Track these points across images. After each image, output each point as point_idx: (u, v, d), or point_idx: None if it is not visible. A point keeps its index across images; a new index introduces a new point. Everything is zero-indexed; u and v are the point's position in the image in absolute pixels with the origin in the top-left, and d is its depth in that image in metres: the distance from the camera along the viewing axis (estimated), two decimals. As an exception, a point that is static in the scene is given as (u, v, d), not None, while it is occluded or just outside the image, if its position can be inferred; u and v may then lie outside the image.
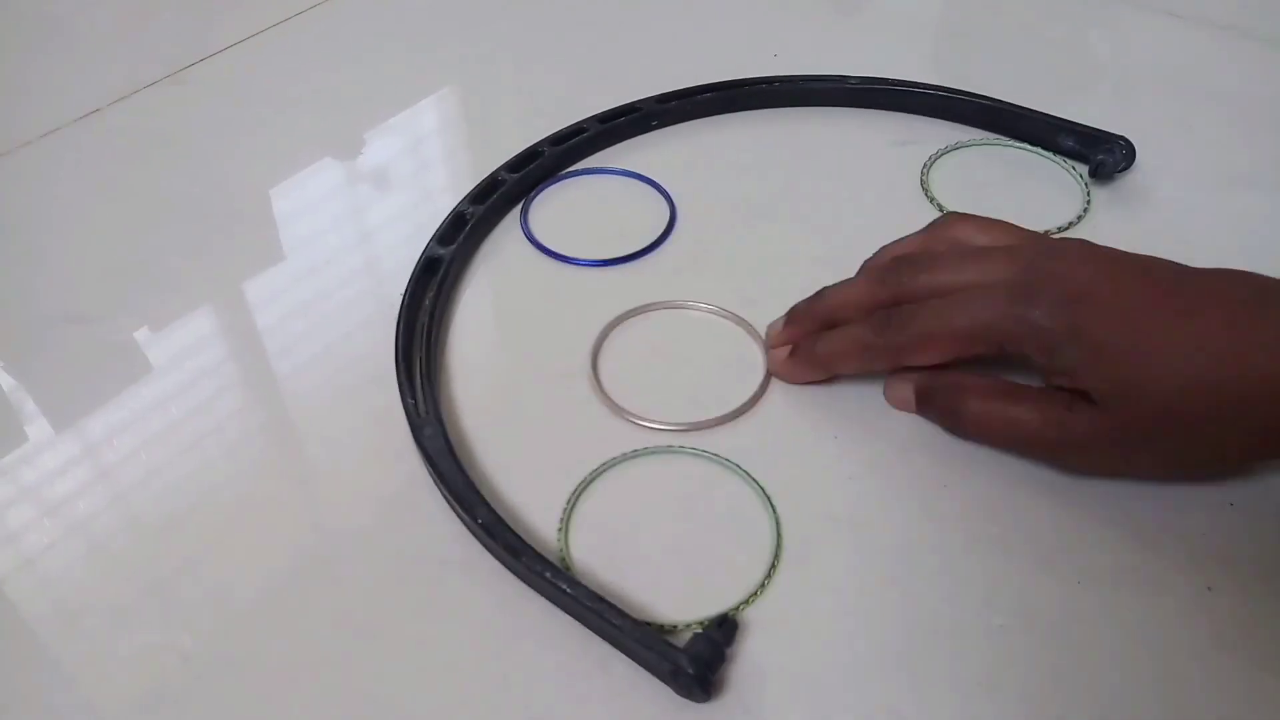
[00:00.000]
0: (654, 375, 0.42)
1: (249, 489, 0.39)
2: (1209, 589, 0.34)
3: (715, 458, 0.39)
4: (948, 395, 0.38)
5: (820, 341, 0.40)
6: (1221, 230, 0.48)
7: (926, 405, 0.39)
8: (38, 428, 0.42)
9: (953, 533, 0.36)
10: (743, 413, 0.41)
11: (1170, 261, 0.35)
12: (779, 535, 0.36)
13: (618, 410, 0.41)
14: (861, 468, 0.39)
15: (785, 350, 0.41)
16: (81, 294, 0.48)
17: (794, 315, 0.42)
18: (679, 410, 0.41)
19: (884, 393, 0.40)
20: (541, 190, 0.52)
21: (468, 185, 0.51)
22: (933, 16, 0.68)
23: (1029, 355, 0.35)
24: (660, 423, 0.40)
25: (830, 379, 0.41)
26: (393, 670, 0.33)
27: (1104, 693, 0.32)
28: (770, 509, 0.37)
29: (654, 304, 0.45)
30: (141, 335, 0.46)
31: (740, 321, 0.44)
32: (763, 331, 0.43)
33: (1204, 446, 0.34)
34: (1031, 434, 0.36)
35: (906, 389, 0.39)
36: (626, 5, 0.68)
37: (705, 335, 0.44)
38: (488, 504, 0.36)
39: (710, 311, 0.45)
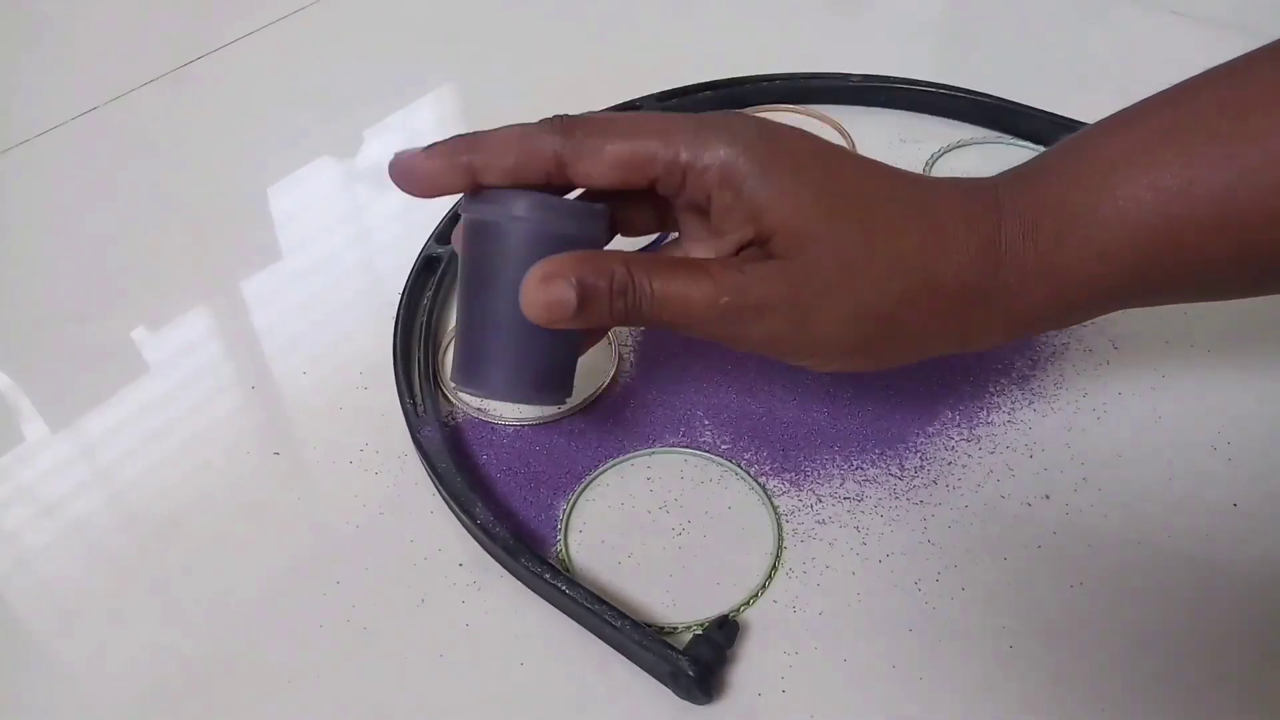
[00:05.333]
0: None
1: (247, 489, 0.39)
2: (1211, 590, 0.34)
3: (715, 458, 0.39)
4: (623, 286, 0.31)
5: (472, 136, 0.32)
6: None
7: (595, 301, 0.31)
8: (34, 427, 0.42)
9: (954, 535, 0.36)
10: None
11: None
12: (780, 536, 0.36)
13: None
14: (862, 472, 0.39)
15: (417, 151, 0.33)
16: (77, 293, 0.48)
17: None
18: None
19: (524, 302, 0.31)
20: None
21: (467, 183, 0.51)
22: (935, 14, 0.68)
23: (711, 194, 0.32)
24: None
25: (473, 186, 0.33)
26: (390, 671, 0.33)
27: (1107, 694, 0.32)
28: (771, 509, 0.37)
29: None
30: (138, 334, 0.46)
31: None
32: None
33: (883, 315, 0.32)
34: (706, 303, 0.31)
35: (560, 288, 0.31)
36: (626, 2, 0.68)
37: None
38: (486, 504, 0.36)
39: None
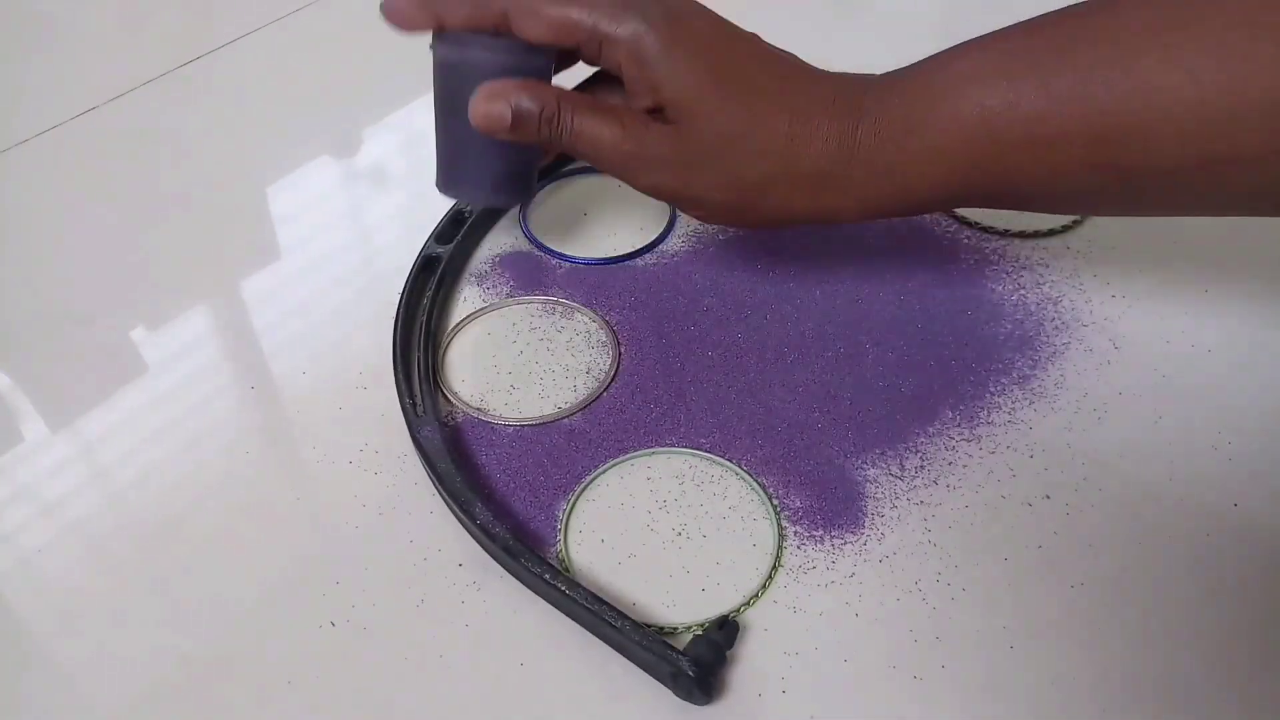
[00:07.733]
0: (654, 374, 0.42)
1: (246, 489, 0.39)
2: (1211, 591, 0.34)
3: (715, 458, 0.39)
4: (550, 116, 0.38)
5: None
6: (1216, 222, 0.48)
7: (526, 122, 0.38)
8: (34, 427, 0.42)
9: (955, 535, 0.36)
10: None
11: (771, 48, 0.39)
12: (780, 536, 0.36)
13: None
14: (862, 472, 0.39)
15: None
16: (77, 293, 0.48)
17: None
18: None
19: (470, 111, 0.38)
20: (541, 188, 0.52)
21: (466, 183, 0.51)
22: (935, 14, 0.68)
23: (621, 64, 0.37)
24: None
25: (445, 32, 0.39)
26: (390, 671, 0.33)
27: (1107, 694, 0.32)
28: (771, 509, 0.37)
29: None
30: (138, 334, 0.46)
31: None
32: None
33: (750, 186, 0.37)
34: (612, 145, 0.38)
35: (499, 106, 0.37)
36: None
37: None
38: (486, 504, 0.36)
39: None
